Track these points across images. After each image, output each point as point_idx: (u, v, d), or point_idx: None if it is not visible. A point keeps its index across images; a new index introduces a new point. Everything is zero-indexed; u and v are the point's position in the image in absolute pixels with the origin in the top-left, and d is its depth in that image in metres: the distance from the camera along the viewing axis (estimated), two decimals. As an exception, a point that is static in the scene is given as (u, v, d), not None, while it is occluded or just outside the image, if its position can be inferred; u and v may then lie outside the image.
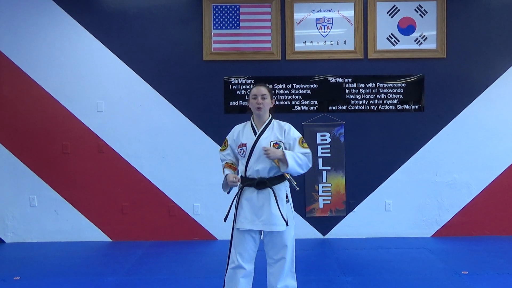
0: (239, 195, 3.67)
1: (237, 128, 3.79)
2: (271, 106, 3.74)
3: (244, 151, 3.64)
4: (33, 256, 5.67)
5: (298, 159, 3.58)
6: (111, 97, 6.20)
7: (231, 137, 3.79)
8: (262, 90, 3.67)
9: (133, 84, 6.19)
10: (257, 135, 3.65)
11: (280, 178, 3.64)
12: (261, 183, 3.58)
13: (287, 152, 3.54)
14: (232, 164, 3.78)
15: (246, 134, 3.69)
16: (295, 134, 3.71)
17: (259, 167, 3.59)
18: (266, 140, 3.63)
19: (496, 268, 5.03)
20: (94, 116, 6.21)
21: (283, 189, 3.66)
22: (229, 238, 3.71)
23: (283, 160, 3.54)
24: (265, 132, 3.67)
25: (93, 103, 6.20)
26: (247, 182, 3.63)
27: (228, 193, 3.80)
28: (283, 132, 3.68)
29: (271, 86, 6.13)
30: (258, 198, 3.60)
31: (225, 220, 3.76)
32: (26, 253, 5.82)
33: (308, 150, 3.68)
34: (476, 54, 6.19)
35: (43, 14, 6.13)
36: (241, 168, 3.69)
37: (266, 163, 3.58)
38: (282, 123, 3.76)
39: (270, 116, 3.76)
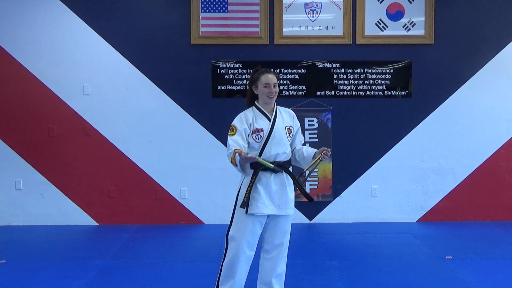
0: (253, 180, 3.58)
1: (248, 114, 3.69)
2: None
3: (261, 136, 3.60)
4: (19, 240, 5.64)
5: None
6: (98, 80, 6.14)
7: (244, 122, 3.64)
8: (274, 79, 3.63)
9: (120, 67, 6.13)
10: (271, 120, 3.64)
11: (289, 163, 3.69)
12: (279, 166, 3.58)
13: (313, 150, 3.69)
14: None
15: (259, 120, 3.65)
16: (298, 122, 3.82)
17: (278, 151, 3.59)
18: (281, 125, 3.65)
19: (479, 253, 5.10)
20: (81, 99, 6.15)
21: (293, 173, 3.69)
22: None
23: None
24: (277, 117, 3.68)
25: (79, 85, 6.14)
26: (262, 166, 3.57)
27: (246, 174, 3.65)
28: (293, 118, 3.77)
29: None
30: (274, 182, 3.59)
31: (242, 206, 3.59)
32: (12, 236, 5.79)
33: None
34: (463, 41, 6.21)
35: (28, -5, 6.05)
36: (254, 153, 3.61)
37: (283, 147, 3.61)
38: (286, 109, 3.82)
39: (274, 102, 3.75)
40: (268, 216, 3.62)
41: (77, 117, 6.15)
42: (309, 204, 6.29)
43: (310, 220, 6.37)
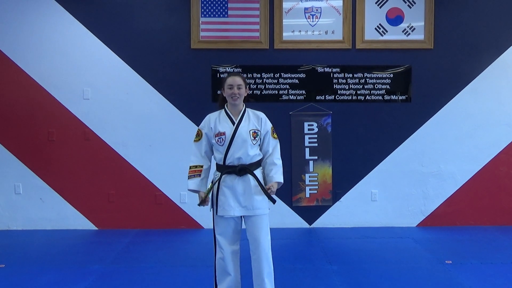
0: (218, 182, 3.71)
1: (212, 116, 3.80)
2: (245, 95, 3.78)
3: (223, 139, 3.68)
4: (18, 244, 5.63)
5: (280, 167, 3.80)
6: (98, 84, 6.15)
7: (206, 125, 3.78)
8: (238, 80, 3.71)
9: (120, 72, 6.14)
10: (235, 124, 3.69)
11: (258, 164, 3.75)
12: (242, 170, 3.65)
13: (277, 177, 3.74)
14: (198, 166, 3.78)
15: (223, 123, 3.72)
16: (269, 124, 3.83)
17: (240, 155, 3.65)
18: (245, 129, 3.69)
19: (479, 258, 5.09)
20: (81, 103, 6.15)
21: (260, 173, 3.76)
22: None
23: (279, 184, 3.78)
24: (243, 121, 3.73)
25: (79, 90, 6.15)
26: (226, 169, 3.68)
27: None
28: (260, 121, 3.77)
29: (258, 75, 6.16)
30: (239, 184, 3.67)
31: (210, 209, 3.83)
32: (11, 240, 5.78)
33: (277, 140, 3.86)
34: (463, 45, 6.22)
35: (29, 0, 6.04)
36: (218, 156, 3.73)
37: (247, 151, 3.66)
38: (257, 112, 3.83)
39: (244, 105, 3.80)
40: (243, 216, 3.72)
41: (77, 121, 6.15)
42: (309, 209, 6.29)
43: (310, 225, 6.36)
